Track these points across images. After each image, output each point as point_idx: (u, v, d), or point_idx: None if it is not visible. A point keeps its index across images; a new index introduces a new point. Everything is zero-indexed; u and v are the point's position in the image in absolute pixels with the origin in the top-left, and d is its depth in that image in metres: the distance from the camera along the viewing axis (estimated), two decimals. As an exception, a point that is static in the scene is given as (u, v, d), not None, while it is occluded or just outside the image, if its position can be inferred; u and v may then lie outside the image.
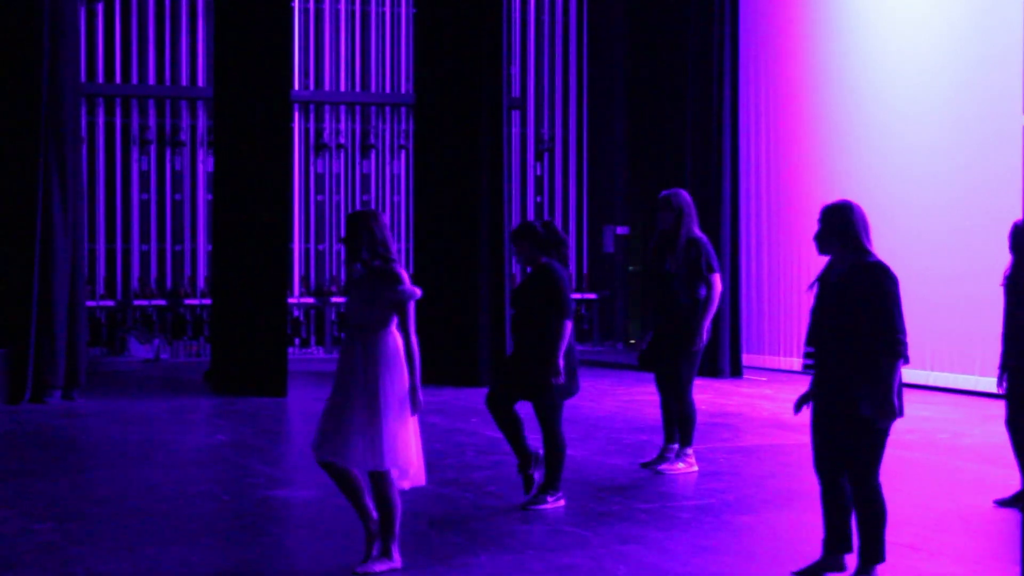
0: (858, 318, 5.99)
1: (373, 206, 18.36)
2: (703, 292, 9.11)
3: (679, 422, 9.22)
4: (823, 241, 6.15)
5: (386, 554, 6.50)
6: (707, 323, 9.08)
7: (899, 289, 6.03)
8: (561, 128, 19.34)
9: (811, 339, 6.26)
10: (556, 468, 8.03)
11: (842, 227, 6.08)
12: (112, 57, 17.39)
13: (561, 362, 7.85)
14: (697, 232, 9.18)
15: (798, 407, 6.28)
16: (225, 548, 7.13)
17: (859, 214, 6.11)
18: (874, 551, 6.11)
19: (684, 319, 9.09)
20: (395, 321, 6.47)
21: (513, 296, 8.28)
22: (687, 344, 9.07)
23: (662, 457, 9.37)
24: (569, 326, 7.89)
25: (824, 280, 6.18)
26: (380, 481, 6.43)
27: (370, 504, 6.60)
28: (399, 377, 6.42)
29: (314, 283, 18.18)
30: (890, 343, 5.95)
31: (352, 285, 6.58)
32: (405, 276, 6.44)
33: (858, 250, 6.08)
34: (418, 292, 6.43)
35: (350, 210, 18.22)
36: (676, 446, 9.37)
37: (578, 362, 8.13)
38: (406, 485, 6.51)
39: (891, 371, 5.96)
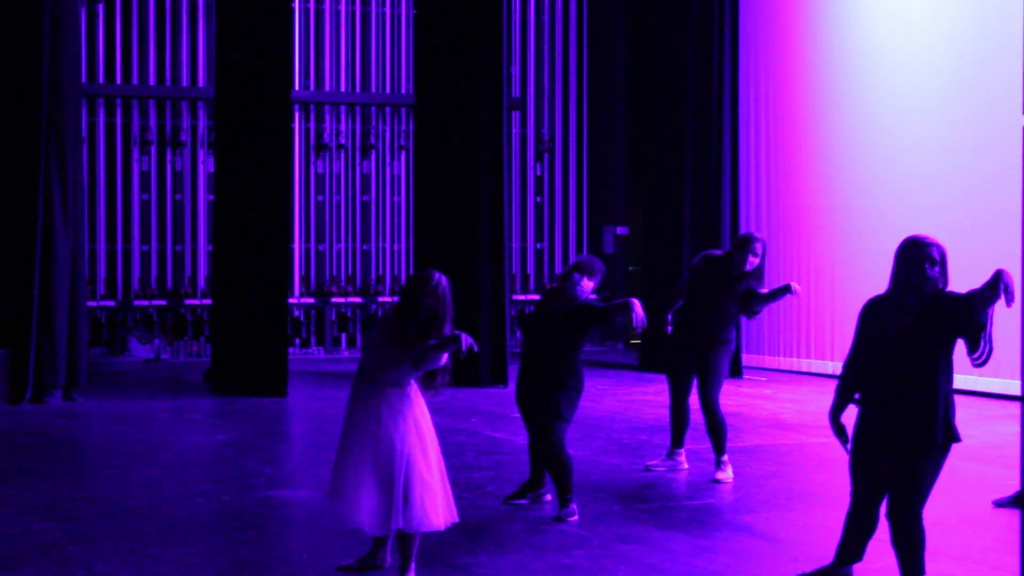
0: (937, 347, 6.03)
1: (373, 206, 18.38)
2: (732, 332, 9.26)
3: (711, 432, 9.14)
4: (897, 276, 6.32)
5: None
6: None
7: None
8: (561, 128, 19.34)
9: (870, 372, 6.13)
10: (566, 483, 7.87)
11: (915, 263, 6.33)
12: (112, 57, 17.39)
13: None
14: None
15: (842, 435, 6.18)
16: (225, 548, 7.13)
17: (932, 250, 6.36)
18: (918, 572, 6.07)
19: (716, 343, 9.14)
20: (414, 378, 6.25)
21: (534, 321, 8.29)
22: (725, 354, 9.19)
23: (671, 458, 9.43)
24: None
25: (893, 314, 6.18)
26: (401, 535, 6.31)
27: (388, 548, 6.59)
28: (414, 431, 6.19)
29: (314, 283, 18.18)
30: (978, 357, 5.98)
31: (375, 334, 6.29)
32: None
33: (923, 285, 6.25)
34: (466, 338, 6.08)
35: (350, 210, 18.27)
36: (681, 450, 9.44)
37: None
38: (441, 526, 6.31)
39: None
